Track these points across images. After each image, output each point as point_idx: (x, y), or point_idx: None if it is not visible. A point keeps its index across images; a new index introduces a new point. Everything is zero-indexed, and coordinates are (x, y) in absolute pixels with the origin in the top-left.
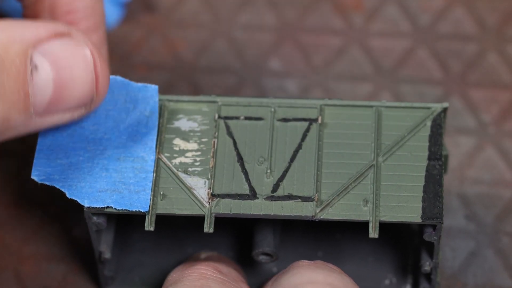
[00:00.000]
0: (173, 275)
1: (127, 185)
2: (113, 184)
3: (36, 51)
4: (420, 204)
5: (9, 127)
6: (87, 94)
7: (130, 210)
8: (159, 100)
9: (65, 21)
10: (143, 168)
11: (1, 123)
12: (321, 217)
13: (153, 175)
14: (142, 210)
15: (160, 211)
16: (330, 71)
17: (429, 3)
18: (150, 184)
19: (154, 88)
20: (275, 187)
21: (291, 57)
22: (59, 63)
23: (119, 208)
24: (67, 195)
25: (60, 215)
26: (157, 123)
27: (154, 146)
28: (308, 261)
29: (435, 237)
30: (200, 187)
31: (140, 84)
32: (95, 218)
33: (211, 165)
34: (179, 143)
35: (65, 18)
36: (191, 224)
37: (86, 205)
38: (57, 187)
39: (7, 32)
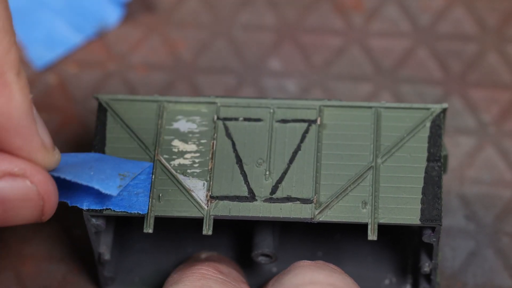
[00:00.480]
0: (174, 276)
1: (126, 187)
2: None
3: None
4: (419, 206)
5: None
6: (31, 222)
7: (129, 212)
8: (158, 101)
9: None
10: (143, 170)
11: None
12: (320, 219)
13: (152, 176)
14: (141, 212)
15: (159, 213)
16: (330, 71)
17: (429, 3)
18: (149, 186)
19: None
20: (274, 189)
21: (291, 57)
22: (6, 204)
23: (118, 210)
24: (69, 204)
25: (60, 215)
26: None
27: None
28: (310, 261)
29: (434, 239)
30: (198, 189)
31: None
32: (94, 220)
33: (209, 167)
34: (177, 144)
35: None
36: (190, 224)
37: (85, 207)
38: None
39: None
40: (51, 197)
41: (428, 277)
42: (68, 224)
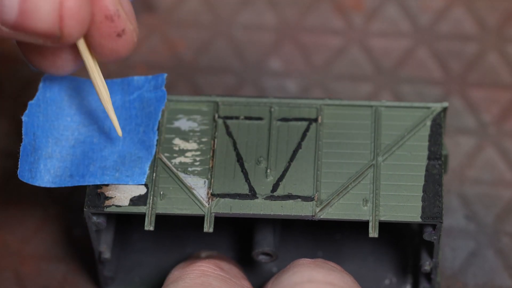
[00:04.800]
0: (174, 273)
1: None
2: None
3: None
4: (420, 204)
5: None
6: (48, 29)
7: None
8: None
9: None
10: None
11: None
12: (321, 217)
13: (153, 173)
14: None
15: (160, 211)
16: (330, 71)
17: (429, 3)
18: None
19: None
20: (275, 186)
21: (291, 57)
22: None
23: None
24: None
25: (60, 215)
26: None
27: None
28: (309, 259)
29: (435, 237)
30: (200, 187)
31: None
32: (94, 218)
33: (210, 165)
34: (178, 143)
35: None
36: (190, 223)
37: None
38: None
39: None
40: (72, 3)
41: (428, 276)
42: (68, 224)
